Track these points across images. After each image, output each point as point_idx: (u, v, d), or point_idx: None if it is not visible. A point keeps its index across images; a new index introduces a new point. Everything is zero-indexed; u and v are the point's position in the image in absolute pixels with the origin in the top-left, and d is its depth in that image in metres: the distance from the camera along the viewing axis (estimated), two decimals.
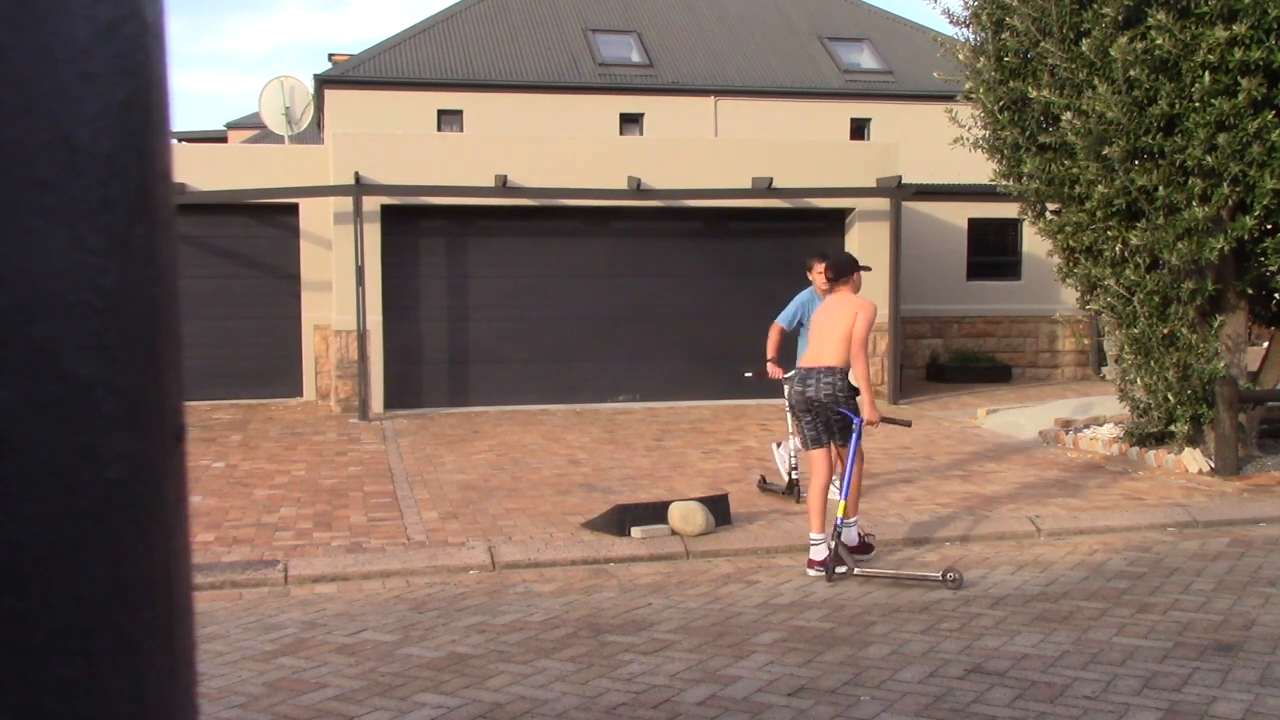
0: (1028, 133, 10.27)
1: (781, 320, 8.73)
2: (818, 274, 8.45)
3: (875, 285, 12.66)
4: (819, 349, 7.01)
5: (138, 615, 0.56)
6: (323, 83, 19.56)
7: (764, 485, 8.92)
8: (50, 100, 0.52)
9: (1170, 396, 9.78)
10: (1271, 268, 9.69)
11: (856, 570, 6.66)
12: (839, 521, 6.77)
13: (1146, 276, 9.75)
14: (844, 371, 6.96)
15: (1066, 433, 11.25)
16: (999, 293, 18.18)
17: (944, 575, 6.48)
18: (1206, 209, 9.21)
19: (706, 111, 20.42)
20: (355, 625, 5.90)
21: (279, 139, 17.61)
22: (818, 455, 6.99)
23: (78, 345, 0.54)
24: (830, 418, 6.94)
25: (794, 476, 8.57)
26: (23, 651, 0.52)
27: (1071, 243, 10.28)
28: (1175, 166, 9.34)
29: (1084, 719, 4.52)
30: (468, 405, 14.08)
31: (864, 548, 7.07)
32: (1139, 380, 10.10)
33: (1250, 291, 10.02)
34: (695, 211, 14.60)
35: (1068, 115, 9.55)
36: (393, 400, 13.77)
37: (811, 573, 6.78)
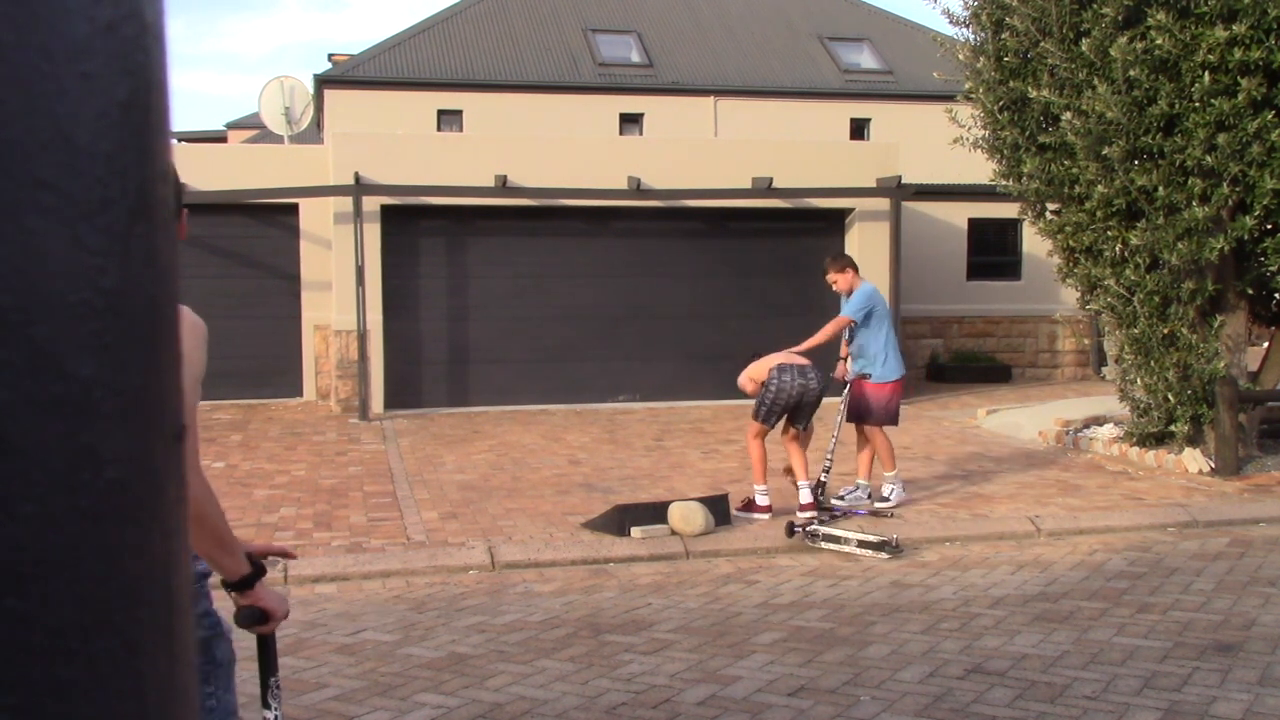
0: (1028, 133, 10.27)
1: (854, 314, 8.46)
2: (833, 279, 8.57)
3: (876, 285, 12.63)
4: (788, 357, 8.16)
5: (138, 615, 0.56)
6: (323, 83, 19.56)
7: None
8: (50, 100, 0.52)
9: (1170, 396, 9.78)
10: (1271, 268, 9.69)
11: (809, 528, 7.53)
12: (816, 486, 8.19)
13: (1146, 276, 9.75)
14: None
15: (1066, 433, 11.25)
16: (999, 293, 18.18)
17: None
18: (1206, 209, 9.21)
19: (706, 111, 20.41)
20: (355, 625, 5.90)
21: (279, 139, 17.61)
22: (776, 433, 8.15)
23: (78, 345, 0.54)
24: (807, 409, 8.03)
25: (824, 479, 8.56)
26: (23, 651, 0.52)
27: (1071, 243, 10.28)
28: (1175, 166, 9.34)
29: (1084, 719, 4.52)
30: (468, 405, 14.08)
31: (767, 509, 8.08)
32: (1139, 380, 10.10)
33: (1250, 291, 10.01)
34: (695, 211, 14.60)
35: (1068, 115, 9.55)
36: (393, 400, 13.77)
37: (803, 515, 7.84)
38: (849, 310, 8.39)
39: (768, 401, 7.98)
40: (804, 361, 8.06)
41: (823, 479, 8.52)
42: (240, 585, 2.46)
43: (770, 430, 8.08)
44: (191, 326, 2.36)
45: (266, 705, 2.57)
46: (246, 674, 5.04)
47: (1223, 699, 4.70)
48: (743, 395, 8.56)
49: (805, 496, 8.00)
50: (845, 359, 8.65)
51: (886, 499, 8.40)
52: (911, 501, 8.55)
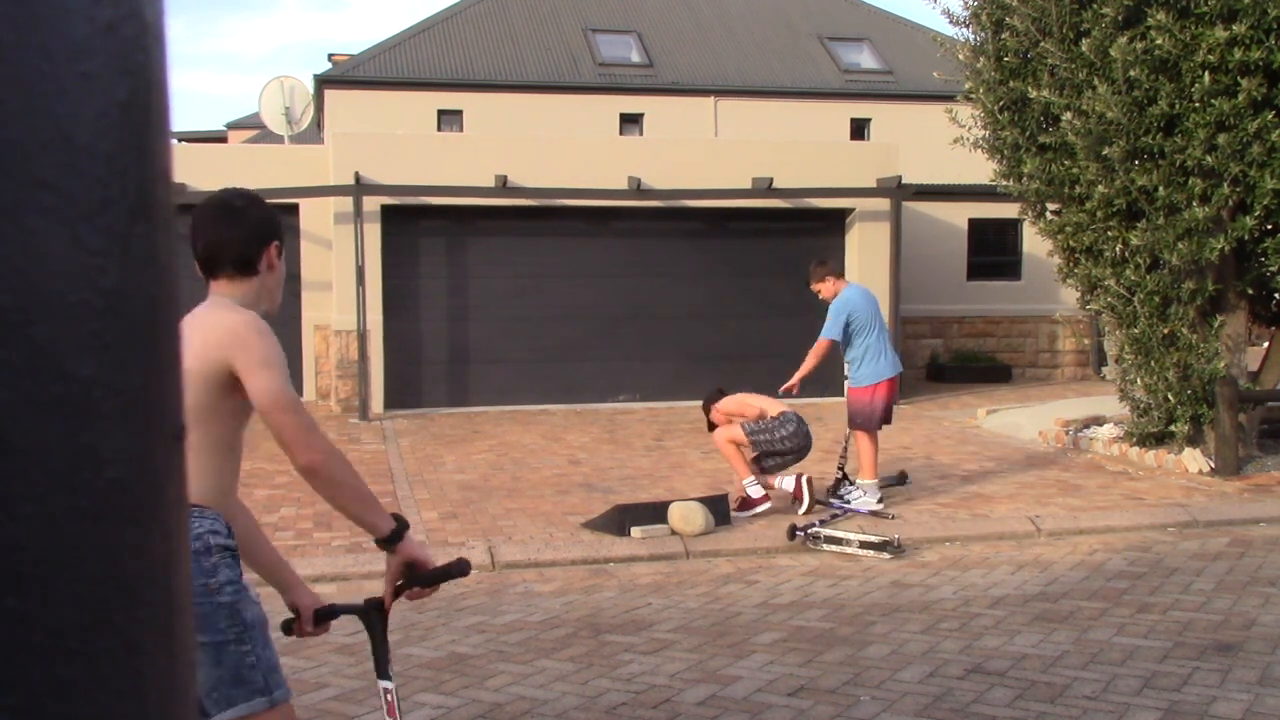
0: (1028, 133, 10.27)
1: (832, 334, 8.29)
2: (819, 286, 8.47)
3: (876, 285, 12.66)
4: (775, 404, 8.26)
5: (138, 615, 0.56)
6: (323, 83, 19.56)
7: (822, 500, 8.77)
8: (50, 100, 0.52)
9: (1170, 396, 9.78)
10: (1271, 268, 9.69)
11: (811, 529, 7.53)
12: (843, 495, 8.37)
13: (1147, 276, 9.75)
14: None
15: (1066, 433, 11.25)
16: (999, 293, 18.18)
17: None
18: (1206, 209, 9.20)
19: (706, 111, 20.42)
20: (355, 625, 5.89)
21: (279, 139, 17.61)
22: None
23: (78, 345, 0.54)
24: (790, 459, 8.21)
25: (839, 475, 8.66)
26: (23, 651, 0.52)
27: (1072, 243, 10.28)
28: (1175, 166, 9.34)
29: (1084, 719, 4.52)
30: (468, 405, 14.08)
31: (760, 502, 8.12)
32: (1139, 380, 10.10)
33: (1250, 291, 10.01)
34: (695, 211, 14.60)
35: (1068, 115, 9.55)
36: (393, 400, 13.77)
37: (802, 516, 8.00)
38: (826, 332, 8.27)
39: (776, 445, 8.05)
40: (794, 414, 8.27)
41: (839, 475, 8.61)
42: (391, 539, 2.67)
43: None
44: (252, 323, 2.66)
45: (386, 676, 2.82)
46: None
47: (1223, 699, 4.70)
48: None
49: (789, 484, 8.17)
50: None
51: (844, 500, 8.31)
52: (912, 502, 8.55)
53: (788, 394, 8.43)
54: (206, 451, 2.62)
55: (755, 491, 8.13)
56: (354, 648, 5.51)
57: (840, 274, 8.59)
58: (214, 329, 2.65)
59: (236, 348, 2.63)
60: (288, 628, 2.91)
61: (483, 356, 14.21)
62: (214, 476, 2.64)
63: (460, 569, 2.79)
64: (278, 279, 2.91)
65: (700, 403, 8.73)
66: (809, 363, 8.35)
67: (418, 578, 2.77)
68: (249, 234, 2.80)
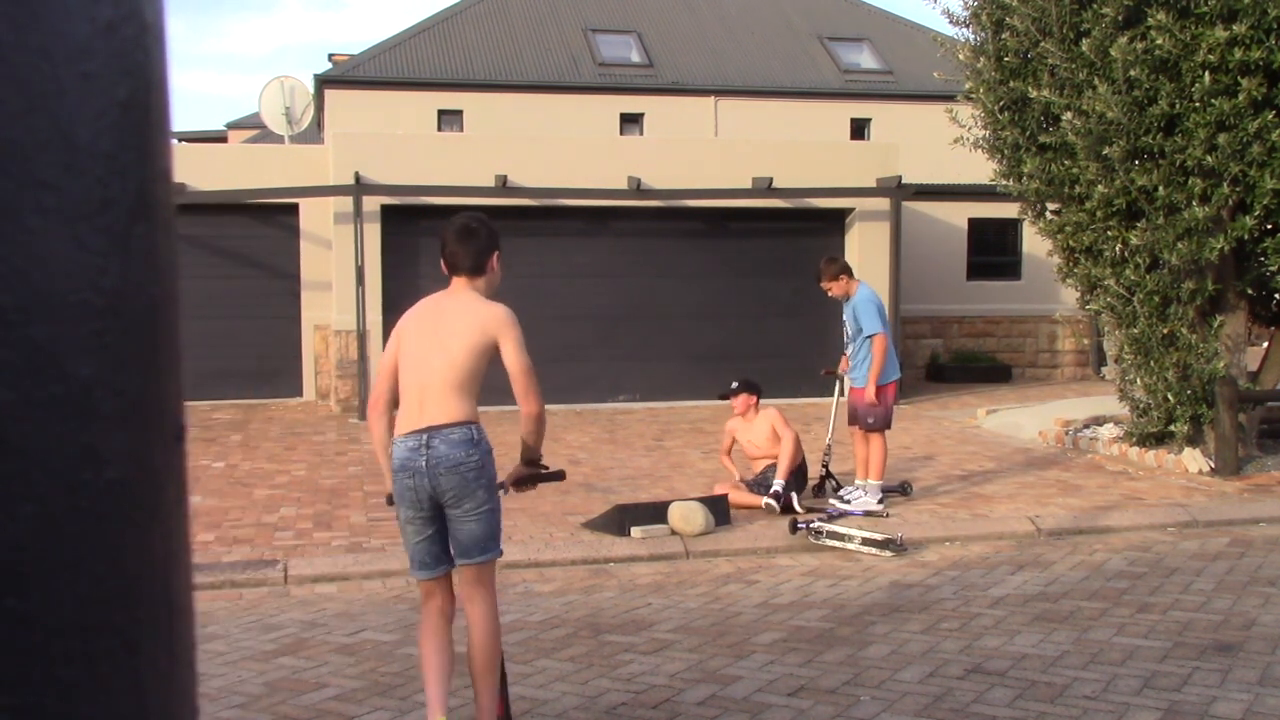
0: (1028, 133, 10.27)
1: (885, 329, 8.30)
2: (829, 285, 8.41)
3: (876, 285, 12.64)
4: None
5: (138, 615, 0.56)
6: (323, 83, 19.56)
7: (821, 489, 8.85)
8: (50, 100, 0.52)
9: (1170, 396, 9.78)
10: (1271, 268, 9.69)
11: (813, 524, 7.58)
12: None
13: (1146, 276, 9.75)
14: None
15: (1067, 433, 11.25)
16: (999, 293, 18.18)
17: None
18: (1206, 209, 9.20)
19: (706, 111, 20.41)
20: (355, 625, 5.90)
21: (279, 139, 17.62)
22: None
23: (78, 345, 0.54)
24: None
25: (824, 471, 8.77)
26: (23, 651, 0.52)
27: (1071, 243, 10.28)
28: (1175, 166, 9.34)
29: (1084, 719, 4.52)
30: None
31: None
32: (1139, 380, 10.10)
33: (1250, 291, 10.02)
34: (695, 211, 14.60)
35: (1068, 115, 9.55)
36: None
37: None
38: (875, 327, 8.14)
39: (795, 482, 8.35)
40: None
41: (823, 474, 8.69)
42: (537, 461, 4.16)
43: None
44: (509, 313, 4.01)
45: (503, 489, 4.12)
46: (250, 671, 5.03)
47: (1223, 699, 4.70)
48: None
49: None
50: (846, 355, 8.61)
51: (844, 499, 8.32)
52: (912, 502, 8.55)
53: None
54: (474, 395, 4.00)
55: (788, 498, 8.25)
56: (354, 648, 5.51)
57: (852, 273, 8.51)
58: (484, 316, 3.97)
59: (503, 331, 3.95)
60: (391, 500, 4.04)
61: None
62: (475, 407, 4.00)
63: (558, 476, 4.27)
64: (499, 277, 4.20)
65: (732, 392, 8.68)
66: (878, 359, 8.16)
67: (528, 476, 4.15)
68: (481, 247, 4.10)
